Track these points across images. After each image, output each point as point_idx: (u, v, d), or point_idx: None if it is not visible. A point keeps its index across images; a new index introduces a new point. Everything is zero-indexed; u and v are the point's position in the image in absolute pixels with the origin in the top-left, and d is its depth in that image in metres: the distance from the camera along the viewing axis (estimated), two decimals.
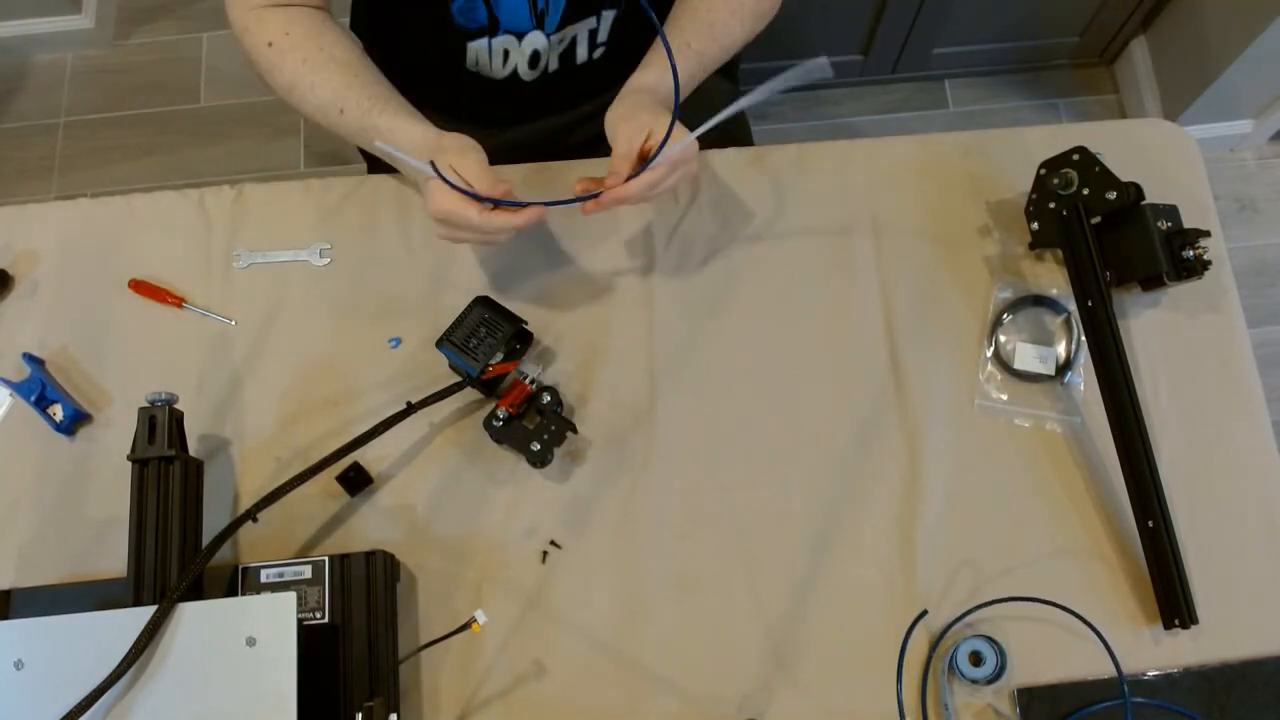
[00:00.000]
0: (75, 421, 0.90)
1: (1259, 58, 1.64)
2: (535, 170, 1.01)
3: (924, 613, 0.84)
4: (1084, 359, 0.93)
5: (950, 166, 1.01)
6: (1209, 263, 0.89)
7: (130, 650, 0.69)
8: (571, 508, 0.88)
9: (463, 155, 0.82)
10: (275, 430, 0.91)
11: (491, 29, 0.96)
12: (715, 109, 1.19)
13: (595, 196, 0.84)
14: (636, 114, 0.86)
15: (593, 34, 1.01)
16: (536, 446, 0.85)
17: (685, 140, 0.83)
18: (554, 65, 1.03)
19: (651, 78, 0.92)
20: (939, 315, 0.95)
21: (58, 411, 0.89)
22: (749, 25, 0.97)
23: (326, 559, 0.80)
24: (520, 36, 0.98)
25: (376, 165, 1.21)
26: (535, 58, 1.01)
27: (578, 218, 0.98)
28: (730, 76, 1.24)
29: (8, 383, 0.90)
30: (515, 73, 1.03)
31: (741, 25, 0.96)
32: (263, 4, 0.89)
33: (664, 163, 0.83)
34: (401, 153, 0.82)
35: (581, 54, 1.03)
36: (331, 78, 0.87)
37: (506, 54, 1.00)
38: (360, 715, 0.72)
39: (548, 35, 0.98)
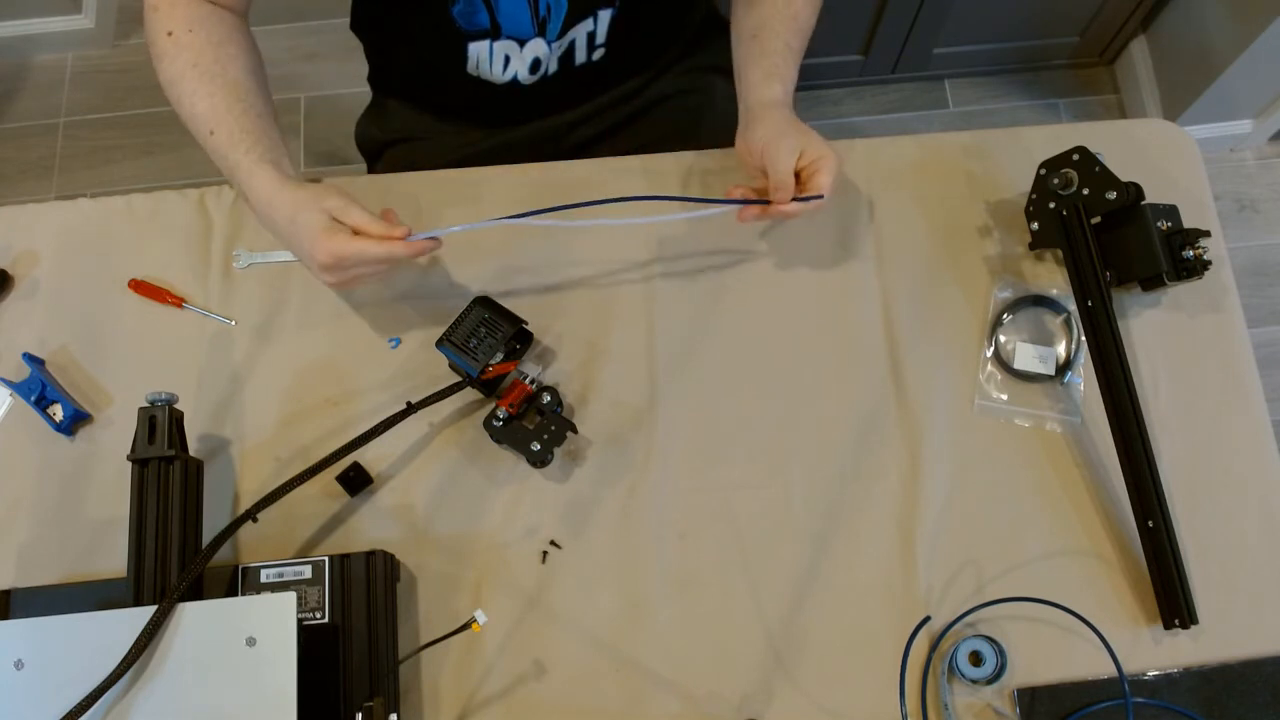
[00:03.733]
0: (75, 421, 0.90)
1: (1259, 58, 1.64)
2: (534, 170, 1.01)
3: (927, 619, 0.84)
4: (1084, 359, 0.93)
5: (950, 166, 1.01)
6: (1209, 263, 0.89)
7: (130, 650, 0.69)
8: (571, 508, 0.88)
9: (345, 205, 0.79)
10: (275, 430, 0.91)
11: (493, 33, 0.96)
12: (715, 108, 1.19)
13: (759, 203, 0.88)
14: (786, 134, 0.88)
15: (591, 36, 1.01)
16: (536, 446, 0.85)
17: (834, 166, 0.87)
18: (553, 68, 1.03)
19: (779, 92, 0.93)
20: (939, 315, 0.95)
21: (58, 411, 0.89)
22: (817, 7, 0.98)
23: (326, 559, 0.80)
24: (522, 43, 0.98)
25: (376, 165, 1.21)
26: (536, 64, 1.01)
27: (578, 216, 0.98)
28: (730, 76, 1.24)
29: (8, 383, 0.90)
30: (515, 78, 1.03)
31: (814, 10, 0.97)
32: None
33: (826, 193, 0.86)
34: (262, 198, 0.81)
35: (580, 56, 1.03)
36: (214, 93, 0.84)
37: (507, 59, 1.00)
38: (360, 715, 0.72)
39: (549, 43, 0.98)
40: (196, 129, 0.86)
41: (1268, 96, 1.79)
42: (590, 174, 1.00)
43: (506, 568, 0.86)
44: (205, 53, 0.85)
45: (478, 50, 0.99)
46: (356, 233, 0.79)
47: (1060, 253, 0.94)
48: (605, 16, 0.99)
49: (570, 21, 0.97)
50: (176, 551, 0.77)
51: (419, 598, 0.85)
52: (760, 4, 0.96)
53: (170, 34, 0.86)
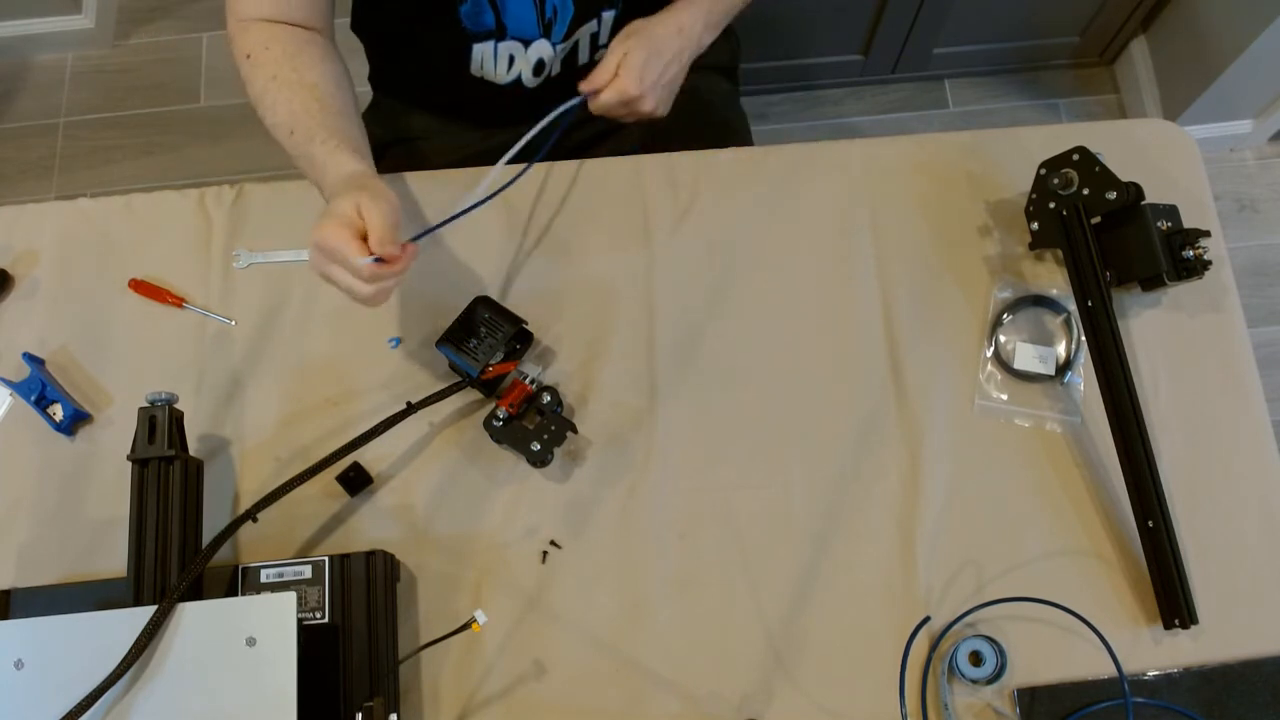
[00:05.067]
0: (75, 421, 0.90)
1: (1259, 58, 1.64)
2: (534, 170, 1.01)
3: (926, 619, 0.84)
4: (1084, 359, 0.93)
5: (950, 166, 1.01)
6: (1209, 263, 0.89)
7: (130, 650, 0.69)
8: (571, 508, 0.88)
9: (375, 201, 0.76)
10: (275, 430, 0.91)
11: (498, 34, 0.96)
12: (715, 108, 1.19)
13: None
14: (628, 39, 0.92)
15: (594, 37, 1.01)
16: (536, 446, 0.85)
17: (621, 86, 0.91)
18: (557, 70, 1.03)
19: (676, 3, 0.95)
20: (939, 315, 0.95)
21: (58, 411, 0.89)
22: None
23: (326, 559, 0.80)
24: (526, 44, 0.98)
25: (376, 165, 1.21)
26: (540, 65, 1.01)
27: (579, 217, 0.98)
28: (730, 76, 1.24)
29: (8, 383, 0.90)
30: (519, 79, 1.03)
31: None
32: (253, 17, 0.88)
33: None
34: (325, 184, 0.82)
35: (584, 56, 1.04)
36: (294, 98, 0.85)
37: (512, 60, 1.00)
38: (360, 715, 0.72)
39: (554, 45, 0.98)
40: (280, 136, 0.87)
41: (1268, 96, 1.79)
42: (590, 174, 1.00)
43: (506, 568, 0.86)
44: (282, 65, 0.86)
45: (482, 51, 0.99)
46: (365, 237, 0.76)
47: (1060, 253, 0.94)
48: (609, 17, 0.99)
49: (576, 23, 0.97)
50: (176, 551, 0.77)
51: (419, 598, 0.85)
52: None
53: (248, 56, 0.88)
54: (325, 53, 0.90)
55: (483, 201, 0.86)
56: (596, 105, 0.93)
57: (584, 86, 0.92)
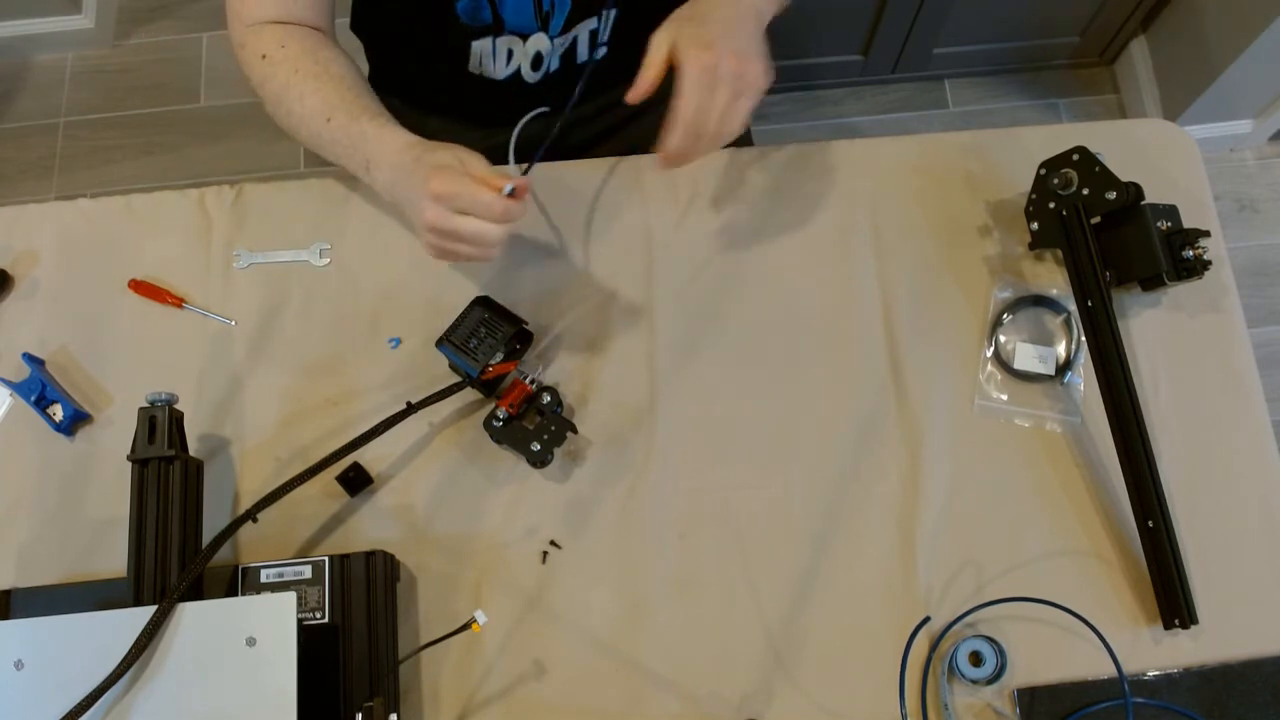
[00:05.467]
0: (75, 421, 0.90)
1: (1259, 58, 1.64)
2: (535, 170, 1.00)
3: (926, 619, 0.84)
4: (1084, 359, 0.93)
5: (950, 166, 1.01)
6: (1209, 263, 0.89)
7: (130, 650, 0.69)
8: (571, 508, 0.88)
9: (470, 153, 0.77)
10: (275, 430, 0.91)
11: (496, 29, 0.96)
12: None
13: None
14: (673, 21, 0.78)
15: (594, 34, 1.01)
16: (536, 446, 0.85)
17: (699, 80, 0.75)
18: (555, 66, 1.03)
19: None
20: (939, 315, 0.95)
21: (58, 411, 0.89)
22: None
23: (326, 559, 0.80)
24: (524, 38, 0.98)
25: None
26: (538, 59, 1.01)
27: (579, 217, 0.98)
28: None
29: (8, 383, 0.90)
30: (518, 73, 1.03)
31: None
32: (261, 20, 0.89)
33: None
34: (384, 154, 0.80)
35: (582, 53, 1.03)
36: (322, 86, 0.85)
37: (510, 54, 1.00)
38: (360, 715, 0.72)
39: (552, 38, 0.98)
40: (311, 123, 0.85)
41: (1268, 96, 1.80)
42: (590, 174, 1.00)
43: (506, 568, 0.86)
44: (303, 59, 0.86)
45: (480, 47, 0.99)
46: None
47: (1060, 253, 0.93)
48: (610, 16, 0.99)
49: (575, 18, 0.97)
50: (176, 551, 0.77)
51: (419, 598, 0.85)
52: None
53: (264, 56, 0.87)
54: (339, 52, 0.90)
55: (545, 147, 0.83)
56: (683, 105, 0.77)
57: (637, 89, 0.79)
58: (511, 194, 0.75)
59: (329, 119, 0.84)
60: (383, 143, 0.82)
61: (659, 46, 0.78)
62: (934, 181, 1.00)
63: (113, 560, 0.86)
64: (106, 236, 0.98)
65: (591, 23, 0.99)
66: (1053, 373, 0.92)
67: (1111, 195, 0.88)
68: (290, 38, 0.88)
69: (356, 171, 0.85)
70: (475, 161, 0.77)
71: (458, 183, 0.74)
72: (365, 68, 1.17)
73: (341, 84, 0.86)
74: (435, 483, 0.89)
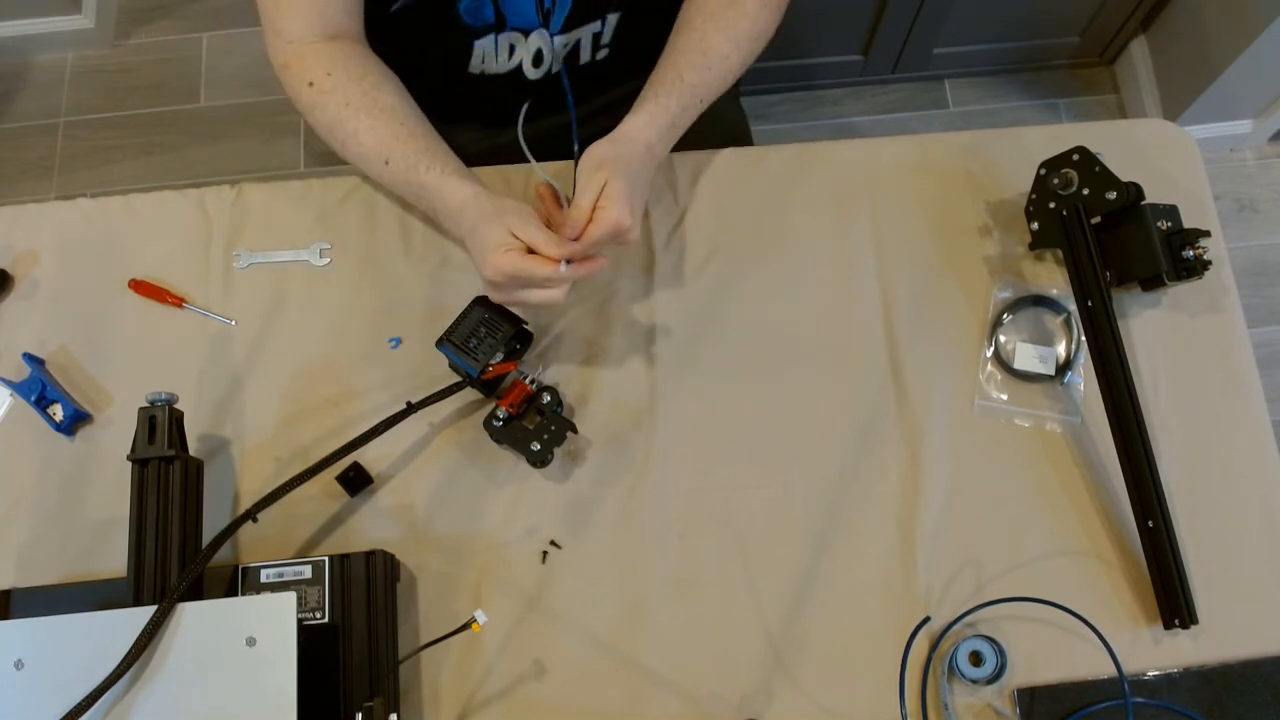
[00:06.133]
0: (75, 421, 0.90)
1: (1259, 58, 1.64)
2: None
3: (926, 619, 0.84)
4: (1084, 359, 0.93)
5: (950, 166, 1.01)
6: (1209, 263, 0.89)
7: (130, 650, 0.69)
8: (571, 508, 0.88)
9: (519, 219, 0.79)
10: (275, 430, 0.91)
11: (498, 26, 0.97)
12: (715, 108, 1.19)
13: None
14: (603, 167, 0.83)
15: (596, 36, 1.01)
16: (536, 446, 0.85)
17: (607, 222, 0.80)
18: (556, 66, 1.03)
19: (636, 123, 0.89)
20: (939, 315, 0.95)
21: (58, 411, 0.89)
22: (745, 48, 0.94)
23: (326, 559, 0.80)
24: (526, 34, 0.98)
25: None
26: (539, 56, 1.01)
27: None
28: None
29: (8, 383, 0.90)
30: (519, 70, 1.03)
31: (738, 49, 0.93)
32: (304, 39, 0.88)
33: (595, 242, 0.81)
34: (451, 210, 0.83)
35: (584, 55, 1.04)
36: (375, 125, 0.86)
37: (512, 49, 1.00)
38: (360, 715, 0.72)
39: (552, 35, 0.98)
40: (369, 164, 0.87)
41: (1268, 96, 1.79)
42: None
43: (506, 568, 0.86)
44: (352, 90, 0.86)
45: (483, 46, 0.99)
46: (531, 251, 0.78)
47: (1060, 253, 0.94)
48: (613, 19, 0.99)
49: (578, 19, 0.97)
50: (176, 551, 0.77)
51: (419, 598, 0.85)
52: (680, 26, 0.94)
53: (311, 84, 0.87)
54: (382, 69, 0.90)
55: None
56: (584, 242, 0.81)
57: (567, 232, 0.81)
58: (569, 264, 0.78)
59: (386, 162, 0.86)
60: (443, 197, 0.85)
61: (593, 188, 0.82)
62: (934, 181, 1.00)
63: (113, 560, 0.86)
64: (106, 236, 0.98)
65: (594, 25, 0.99)
66: (1053, 373, 0.92)
67: (1111, 195, 0.88)
68: (335, 63, 0.87)
69: (424, 211, 0.90)
70: (535, 233, 0.78)
71: (517, 264, 0.77)
72: None
73: (393, 118, 0.86)
74: (435, 483, 0.89)
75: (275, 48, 0.89)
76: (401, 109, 0.88)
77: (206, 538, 0.78)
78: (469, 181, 0.86)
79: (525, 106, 0.94)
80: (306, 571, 0.80)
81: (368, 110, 0.86)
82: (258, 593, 0.79)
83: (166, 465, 0.79)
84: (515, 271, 0.78)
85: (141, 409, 0.79)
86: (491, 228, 0.80)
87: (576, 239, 0.80)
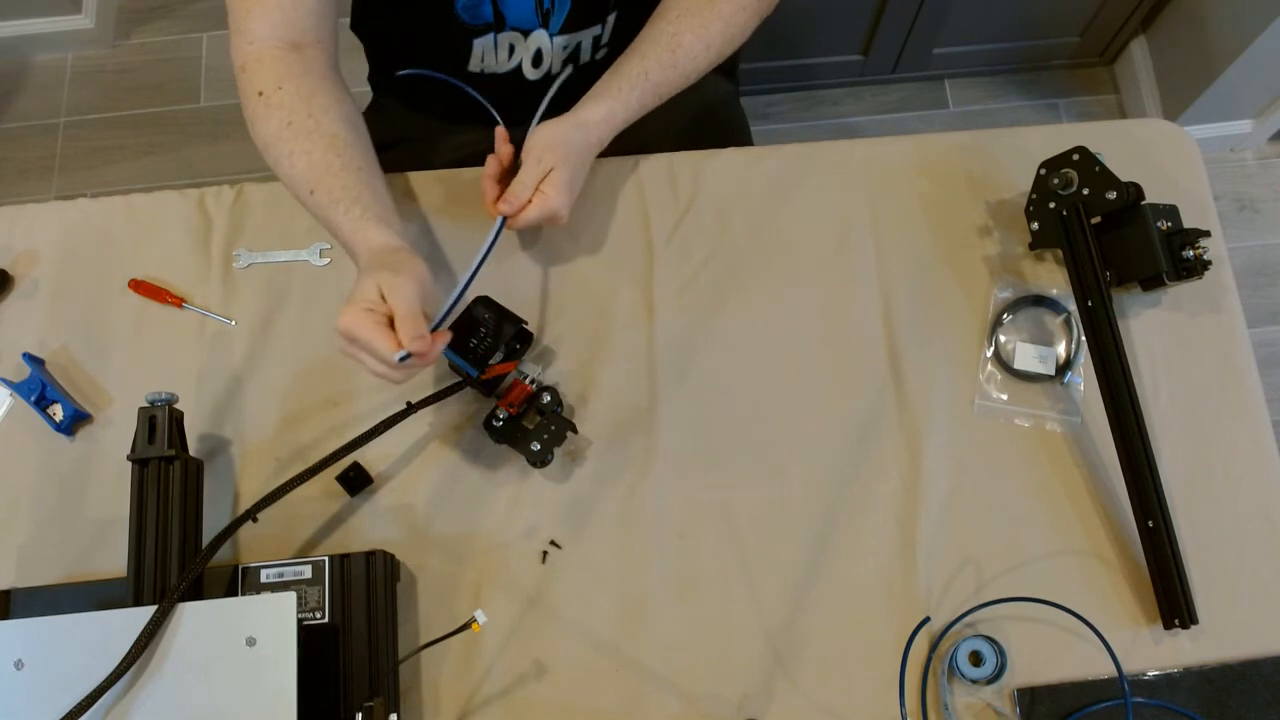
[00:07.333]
0: (75, 421, 0.90)
1: (1259, 58, 1.64)
2: None
3: (926, 619, 0.84)
4: (1084, 359, 0.93)
5: (950, 166, 1.01)
6: (1209, 263, 0.89)
7: (130, 650, 0.70)
8: (571, 508, 0.88)
9: (400, 281, 0.74)
10: (275, 430, 0.91)
11: (497, 25, 0.97)
12: (715, 108, 1.19)
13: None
14: (552, 149, 0.88)
15: (596, 38, 1.01)
16: (536, 446, 0.85)
17: (542, 208, 0.87)
18: (556, 67, 1.03)
19: (594, 113, 0.91)
20: (939, 315, 0.95)
21: (58, 411, 0.89)
22: (716, 50, 0.94)
23: (326, 559, 0.80)
24: (525, 34, 0.98)
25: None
26: (539, 56, 1.01)
27: (579, 217, 0.98)
28: (730, 76, 1.24)
29: (8, 383, 0.90)
30: (519, 70, 1.03)
31: (708, 50, 0.93)
32: (266, 41, 0.84)
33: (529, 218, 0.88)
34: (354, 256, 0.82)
35: (585, 56, 1.04)
36: (311, 150, 0.82)
37: (512, 49, 1.00)
38: (360, 715, 0.72)
39: (552, 35, 0.98)
40: (297, 190, 0.84)
41: (1268, 96, 1.79)
42: (590, 173, 1.00)
43: (506, 568, 0.86)
44: (298, 109, 0.83)
45: (482, 45, 0.99)
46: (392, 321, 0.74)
47: (1060, 253, 0.94)
48: (612, 20, 1.00)
49: (579, 22, 0.97)
50: (176, 551, 0.77)
51: (419, 598, 0.85)
52: (656, 14, 0.94)
53: (260, 94, 0.83)
54: (338, 92, 0.87)
55: (485, 256, 0.86)
56: (519, 222, 0.88)
57: (504, 207, 0.87)
58: (406, 358, 0.73)
59: (312, 191, 0.82)
60: (352, 244, 0.81)
61: (539, 170, 0.88)
62: (934, 181, 1.00)
63: (113, 560, 0.86)
64: (106, 236, 0.98)
65: (595, 29, 0.99)
66: (1053, 373, 0.92)
67: (1112, 195, 0.88)
68: (289, 77, 0.84)
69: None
70: (401, 303, 0.74)
71: (361, 328, 0.73)
72: (365, 68, 1.17)
73: (331, 151, 0.82)
74: (435, 483, 0.89)
75: (237, 48, 0.86)
76: (343, 138, 0.83)
77: (206, 538, 0.79)
78: (383, 230, 0.81)
79: (546, 99, 0.95)
80: (306, 571, 0.80)
81: (308, 134, 0.82)
82: (258, 593, 0.79)
83: (166, 465, 0.79)
84: (355, 334, 0.73)
85: (141, 409, 0.80)
86: (367, 281, 0.75)
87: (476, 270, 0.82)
